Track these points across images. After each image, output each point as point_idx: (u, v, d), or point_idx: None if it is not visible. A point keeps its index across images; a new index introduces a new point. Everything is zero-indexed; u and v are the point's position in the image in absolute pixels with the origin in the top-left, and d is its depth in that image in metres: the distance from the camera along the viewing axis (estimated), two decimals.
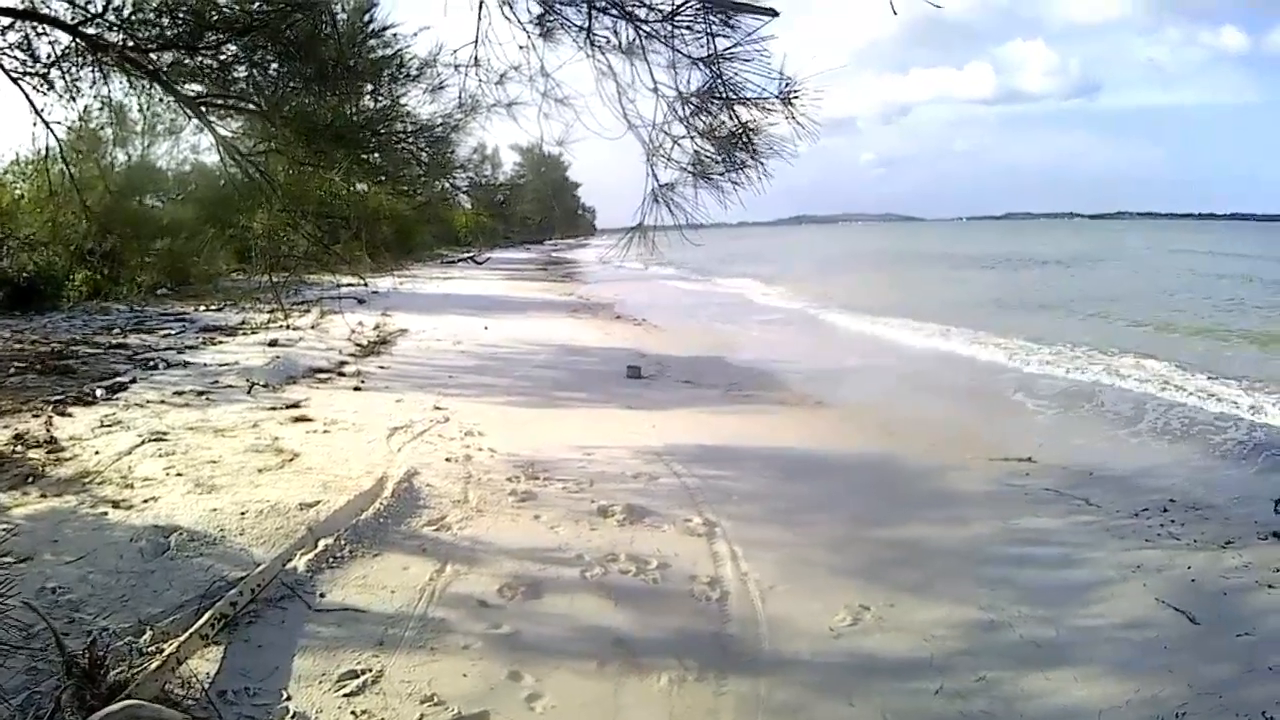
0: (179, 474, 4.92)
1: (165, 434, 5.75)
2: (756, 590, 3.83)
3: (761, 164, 3.84)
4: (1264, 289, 23.22)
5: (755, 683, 3.27)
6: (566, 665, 3.32)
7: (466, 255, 38.81)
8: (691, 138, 3.82)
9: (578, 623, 3.63)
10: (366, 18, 5.55)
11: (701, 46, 3.61)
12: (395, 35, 5.66)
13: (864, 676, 3.34)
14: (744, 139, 3.71)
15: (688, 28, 3.61)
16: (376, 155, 5.74)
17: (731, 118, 3.74)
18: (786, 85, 3.64)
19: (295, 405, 7.00)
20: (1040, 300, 21.35)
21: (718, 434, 6.92)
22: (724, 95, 3.62)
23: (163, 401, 6.87)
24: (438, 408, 7.29)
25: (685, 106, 3.77)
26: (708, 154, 3.84)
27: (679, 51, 3.57)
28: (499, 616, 3.66)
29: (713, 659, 3.39)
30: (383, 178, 5.95)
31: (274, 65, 4.93)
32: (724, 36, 3.62)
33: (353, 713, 2.87)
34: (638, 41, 3.69)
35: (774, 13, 3.38)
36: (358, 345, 10.40)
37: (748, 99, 3.69)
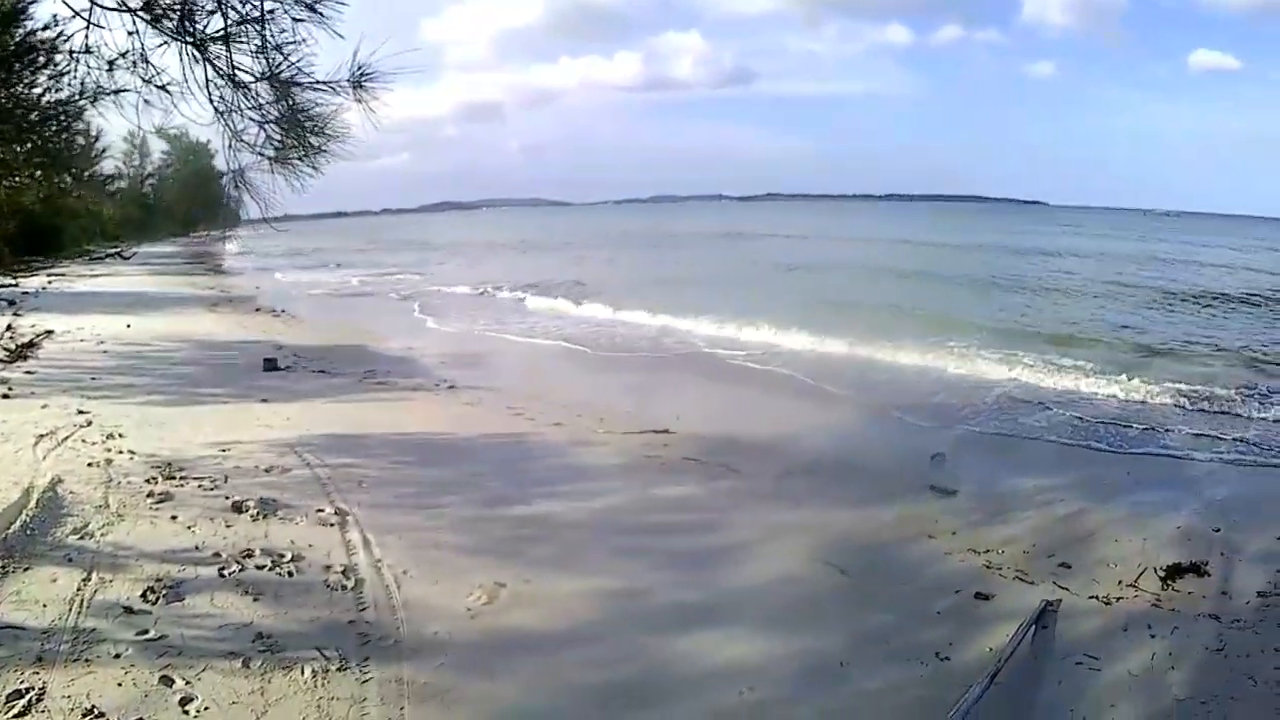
0: None
1: None
2: (390, 576, 4.58)
3: (337, 148, 4.23)
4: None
5: (398, 668, 4.02)
6: (215, 665, 4.00)
7: (114, 250, 42.02)
8: (268, 123, 4.12)
9: (221, 621, 4.33)
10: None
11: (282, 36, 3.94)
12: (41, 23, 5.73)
13: (506, 653, 4.07)
14: (314, 124, 4.03)
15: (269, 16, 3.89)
16: None
17: (301, 102, 4.03)
18: (359, 70, 3.94)
19: None
20: (678, 277, 25.92)
21: (351, 423, 8.00)
22: (290, 79, 3.89)
23: None
24: (81, 411, 8.14)
25: (264, 92, 4.07)
26: (277, 139, 4.16)
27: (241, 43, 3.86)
28: (145, 621, 4.34)
29: (353, 648, 4.16)
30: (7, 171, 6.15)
31: None
32: (303, 21, 3.90)
33: None
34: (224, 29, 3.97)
35: None
36: (5, 350, 11.36)
37: (317, 83, 4.00)
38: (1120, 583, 5.02)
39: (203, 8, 4.36)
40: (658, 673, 3.87)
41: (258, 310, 19.42)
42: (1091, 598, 4.82)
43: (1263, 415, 9.52)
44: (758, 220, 73.11)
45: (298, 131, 4.39)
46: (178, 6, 4.38)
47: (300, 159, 4.47)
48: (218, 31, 4.34)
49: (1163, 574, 5.15)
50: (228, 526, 5.16)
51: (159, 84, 4.75)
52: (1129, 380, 10.75)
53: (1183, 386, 10.47)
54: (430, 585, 4.47)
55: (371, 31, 4.42)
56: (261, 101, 4.33)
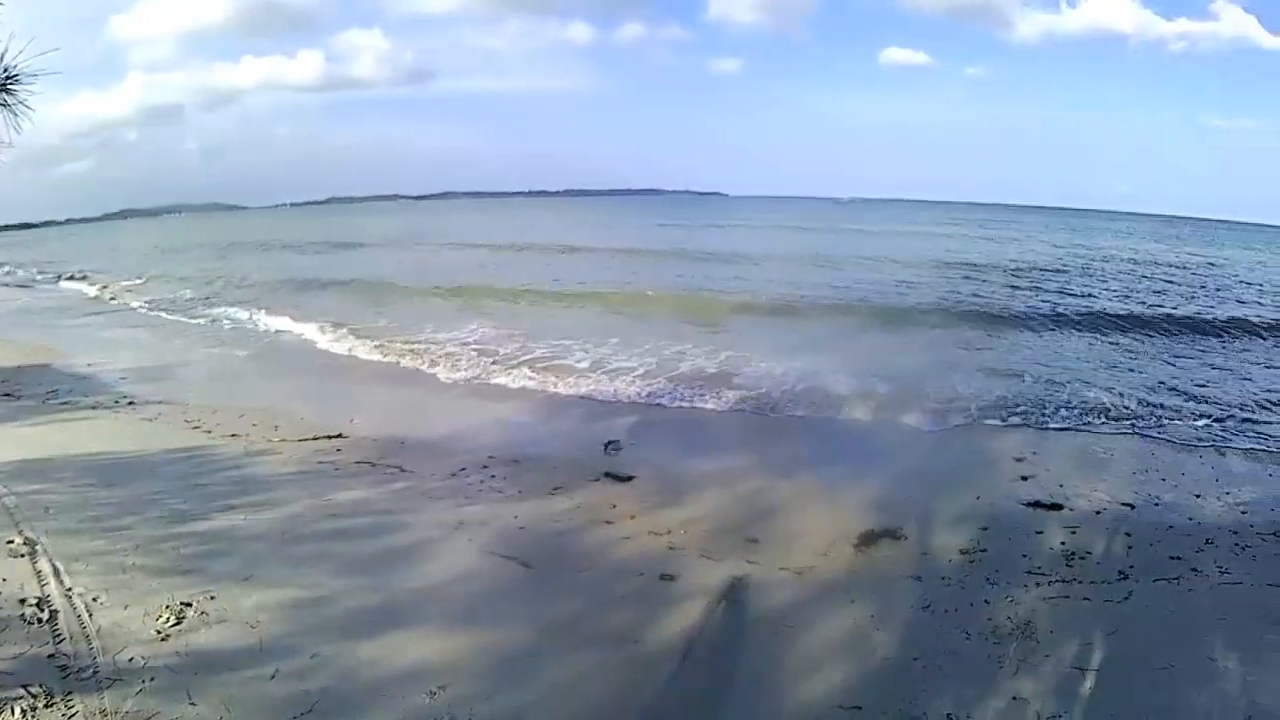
0: None
1: None
2: (82, 604, 4.80)
3: None
4: None
5: (100, 699, 4.24)
6: None
7: None
8: None
9: None
10: None
11: None
12: None
13: (199, 673, 4.32)
14: None
15: None
16: None
17: None
18: (4, 73, 4.04)
19: None
20: (333, 279, 26.17)
21: (36, 446, 8.11)
22: None
23: None
24: None
25: None
26: None
27: None
28: None
29: (56, 681, 4.35)
30: None
31: None
32: None
33: None
34: None
35: None
36: None
37: None
38: (812, 552, 5.45)
39: None
40: (348, 680, 4.15)
41: None
42: (783, 569, 5.23)
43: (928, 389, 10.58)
44: (420, 222, 72.50)
45: None
46: None
47: None
48: None
49: (856, 541, 5.58)
50: None
51: None
52: (791, 362, 11.96)
53: (842, 368, 11.55)
54: (121, 610, 4.68)
55: (55, 29, 4.52)
56: None
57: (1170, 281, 25.48)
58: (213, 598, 4.78)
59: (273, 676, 4.19)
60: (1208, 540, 6.12)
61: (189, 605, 4.70)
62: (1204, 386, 11.38)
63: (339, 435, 8.36)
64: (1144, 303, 20.02)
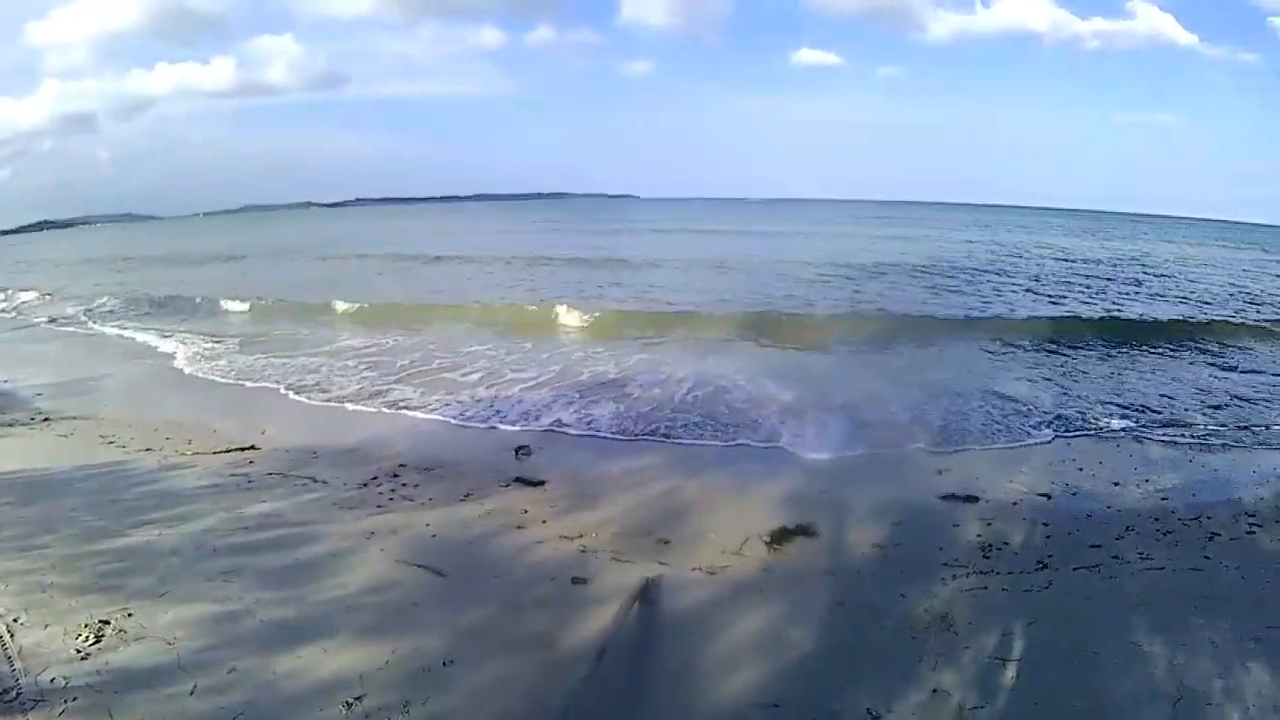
0: None
1: None
2: (3, 625, 4.91)
3: None
4: None
5: None
6: None
7: None
8: None
9: None
10: None
11: None
12: None
13: (120, 692, 4.43)
14: None
15: None
16: None
17: None
18: None
19: None
20: (236, 292, 25.37)
21: None
22: None
23: None
24: None
25: None
26: None
27: None
28: None
29: None
30: None
31: None
32: None
33: None
34: None
35: None
36: None
37: None
38: (724, 551, 5.60)
39: None
40: (266, 693, 4.24)
41: None
42: (695, 569, 5.39)
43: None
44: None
45: None
46: None
47: None
48: None
49: (768, 539, 5.72)
50: None
51: None
52: (693, 367, 12.30)
53: (742, 375, 11.76)
54: (41, 630, 4.76)
55: None
56: None
57: (1086, 277, 25.94)
58: (130, 615, 4.87)
59: (192, 692, 4.28)
60: (1128, 527, 6.30)
61: (107, 623, 4.79)
62: (1120, 382, 11.61)
63: (251, 447, 8.43)
64: (1059, 300, 20.28)
